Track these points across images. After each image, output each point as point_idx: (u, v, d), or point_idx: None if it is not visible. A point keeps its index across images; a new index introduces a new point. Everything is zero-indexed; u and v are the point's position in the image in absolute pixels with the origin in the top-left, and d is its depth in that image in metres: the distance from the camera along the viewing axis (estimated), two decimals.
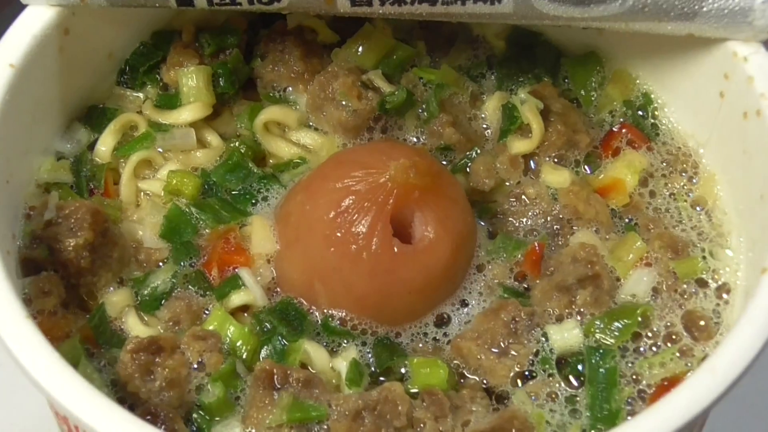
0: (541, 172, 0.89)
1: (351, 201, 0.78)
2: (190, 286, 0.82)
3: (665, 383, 0.75)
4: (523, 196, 0.88)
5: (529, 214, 0.87)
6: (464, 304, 0.83)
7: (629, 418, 0.74)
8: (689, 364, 0.77)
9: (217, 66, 0.92)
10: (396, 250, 0.77)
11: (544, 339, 0.78)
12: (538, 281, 0.82)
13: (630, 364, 0.77)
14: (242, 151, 0.90)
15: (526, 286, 0.83)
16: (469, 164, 0.90)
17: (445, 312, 0.82)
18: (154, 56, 0.93)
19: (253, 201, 0.89)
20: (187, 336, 0.76)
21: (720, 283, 0.81)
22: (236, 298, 0.81)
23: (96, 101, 0.92)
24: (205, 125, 0.92)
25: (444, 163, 0.92)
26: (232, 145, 0.91)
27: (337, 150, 0.91)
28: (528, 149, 0.89)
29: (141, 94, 0.93)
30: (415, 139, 0.92)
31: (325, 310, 0.81)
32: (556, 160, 0.90)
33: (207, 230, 0.86)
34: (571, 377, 0.77)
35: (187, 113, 0.90)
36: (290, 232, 0.83)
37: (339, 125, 0.91)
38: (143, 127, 0.91)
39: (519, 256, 0.84)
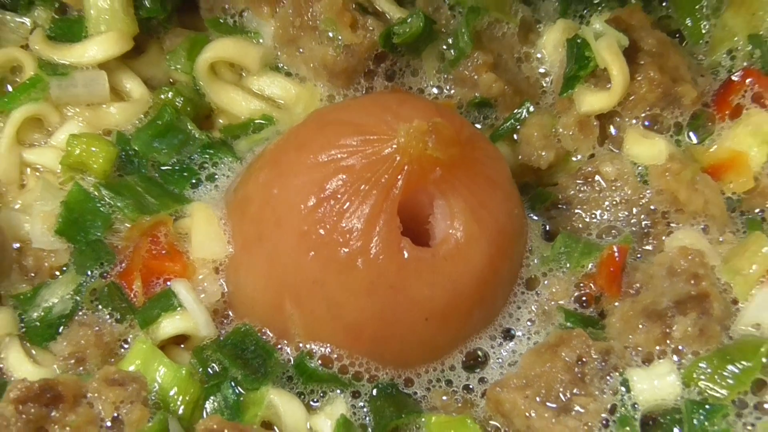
0: (624, 141, 0.91)
1: (340, 182, 0.79)
2: (100, 306, 0.85)
3: None
4: (598, 177, 0.90)
5: (606, 203, 0.90)
6: (508, 336, 0.85)
7: None
8: None
9: None
10: (406, 255, 0.79)
11: (624, 389, 0.80)
12: (616, 304, 0.84)
13: (749, 427, 0.79)
14: (177, 105, 0.92)
15: (599, 310, 0.86)
16: (518, 128, 0.92)
17: (479, 348, 0.85)
18: None
19: (194, 181, 0.91)
20: (96, 380, 0.78)
21: None
22: (169, 325, 0.83)
23: None
24: (123, 66, 0.94)
25: (479, 126, 0.94)
26: (162, 96, 0.93)
27: (320, 105, 0.93)
28: (605, 107, 0.91)
29: (27, 20, 0.95)
30: (436, 90, 0.95)
31: (301, 344, 0.83)
32: (647, 123, 0.92)
33: (125, 224, 0.88)
34: None
35: (96, 48, 0.92)
36: (250, 227, 0.85)
37: (323, 68, 0.93)
38: (31, 68, 0.92)
39: (589, 266, 0.86)
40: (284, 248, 0.81)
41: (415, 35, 0.92)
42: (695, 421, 0.79)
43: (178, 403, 0.80)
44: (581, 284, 0.87)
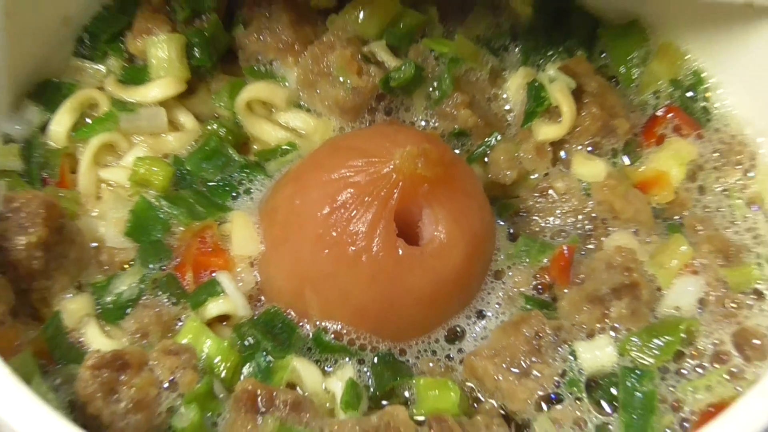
0: (572, 162, 0.91)
1: (349, 195, 0.79)
2: (160, 293, 0.85)
3: (711, 410, 0.78)
4: (551, 191, 0.90)
5: (557, 212, 0.90)
6: (480, 316, 0.85)
7: None
8: (739, 388, 0.79)
9: (192, 34, 0.94)
10: (401, 252, 0.79)
11: (572, 358, 0.80)
12: (566, 290, 0.84)
13: (671, 388, 0.80)
14: (221, 135, 0.92)
15: (552, 296, 0.86)
16: (488, 153, 0.92)
17: (457, 325, 0.85)
18: (118, 22, 0.95)
19: (234, 194, 0.91)
20: (156, 350, 0.78)
21: None
22: (214, 307, 0.83)
23: (50, 75, 0.94)
24: (178, 104, 0.94)
25: (458, 151, 0.94)
26: (209, 127, 0.93)
27: (333, 134, 0.93)
28: (557, 136, 0.91)
29: (102, 67, 0.95)
30: (424, 123, 0.95)
31: (318, 322, 0.83)
32: (589, 148, 0.92)
33: (180, 228, 0.88)
34: (602, 402, 0.80)
35: (157, 90, 0.92)
36: (277, 230, 0.85)
37: (335, 105, 0.93)
38: (105, 105, 0.93)
39: (544, 261, 0.86)
40: (304, 247, 0.82)
41: (408, 80, 0.92)
42: (628, 383, 0.79)
43: (221, 368, 0.80)
44: (538, 275, 0.87)
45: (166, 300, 0.85)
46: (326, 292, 0.82)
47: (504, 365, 0.80)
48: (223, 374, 0.80)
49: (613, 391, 0.80)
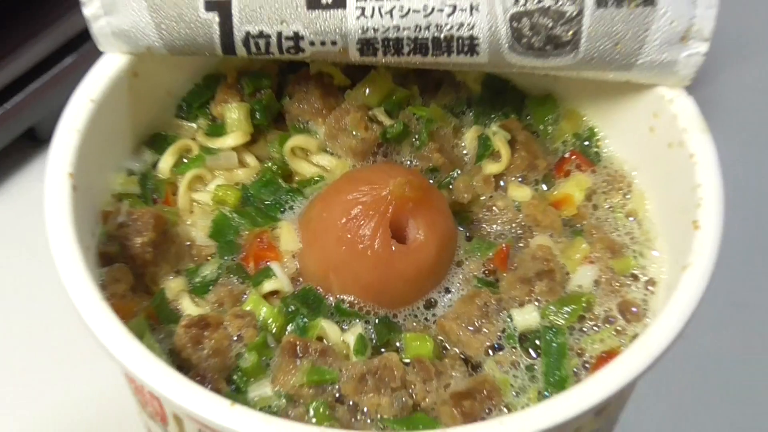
0: (508, 188, 0.90)
1: (358, 210, 0.78)
2: (231, 276, 0.82)
3: (604, 355, 0.76)
4: (494, 208, 0.88)
5: (498, 221, 0.88)
6: (447, 291, 0.83)
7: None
8: (623, 341, 0.77)
9: (254, 103, 0.92)
10: (393, 248, 0.77)
11: (509, 320, 0.78)
12: (505, 274, 0.82)
13: (576, 340, 0.77)
14: (274, 170, 0.90)
15: (495, 278, 0.83)
16: (452, 182, 0.90)
17: (432, 298, 0.82)
18: (205, 95, 0.94)
19: (282, 210, 0.89)
20: (228, 315, 0.76)
21: (648, 277, 0.81)
22: (268, 286, 0.81)
23: (159, 129, 0.92)
24: (245, 149, 0.92)
25: (432, 181, 0.91)
26: (265, 165, 0.91)
27: (348, 170, 0.91)
28: (498, 171, 0.90)
29: (194, 125, 0.94)
30: (409, 162, 0.92)
31: (338, 296, 0.81)
32: (520, 179, 0.90)
33: (246, 232, 0.86)
34: (530, 350, 0.77)
35: (231, 140, 0.90)
36: (310, 234, 0.83)
37: (350, 151, 0.91)
38: (196, 150, 0.91)
39: (490, 254, 0.84)
40: (328, 245, 0.80)
41: (398, 134, 0.90)
42: (547, 337, 0.77)
43: (272, 327, 0.77)
44: (485, 264, 0.84)
45: (235, 281, 0.83)
46: (343, 275, 0.80)
47: (463, 324, 0.78)
48: (273, 331, 0.77)
49: (538, 342, 0.77)
